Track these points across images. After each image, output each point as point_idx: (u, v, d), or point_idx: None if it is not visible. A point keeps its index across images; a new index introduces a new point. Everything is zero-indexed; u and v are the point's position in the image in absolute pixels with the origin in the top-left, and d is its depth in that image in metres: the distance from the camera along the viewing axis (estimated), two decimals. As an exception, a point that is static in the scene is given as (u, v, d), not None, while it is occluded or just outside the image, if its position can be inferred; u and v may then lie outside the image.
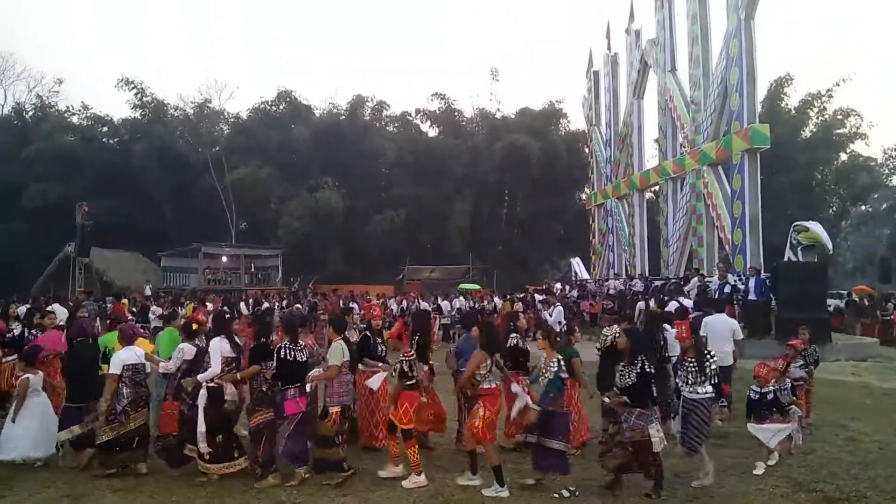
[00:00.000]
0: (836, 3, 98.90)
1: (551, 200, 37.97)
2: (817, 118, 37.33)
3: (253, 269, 34.69)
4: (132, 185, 37.32)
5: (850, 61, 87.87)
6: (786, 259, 16.02)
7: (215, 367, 6.42)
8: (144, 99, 39.52)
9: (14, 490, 6.20)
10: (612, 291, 20.65)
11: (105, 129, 41.71)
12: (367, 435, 7.58)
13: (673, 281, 18.13)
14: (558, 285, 25.64)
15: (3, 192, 35.32)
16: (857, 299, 24.28)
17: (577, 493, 5.94)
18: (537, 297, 19.46)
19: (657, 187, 26.20)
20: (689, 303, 12.51)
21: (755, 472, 6.56)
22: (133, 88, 38.86)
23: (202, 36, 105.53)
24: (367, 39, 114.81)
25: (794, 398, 7.33)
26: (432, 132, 42.69)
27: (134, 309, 16.30)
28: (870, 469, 6.69)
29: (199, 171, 38.20)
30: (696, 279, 17.07)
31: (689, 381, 6.40)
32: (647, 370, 5.97)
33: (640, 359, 6.01)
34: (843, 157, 38.19)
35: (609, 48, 30.07)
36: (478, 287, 24.30)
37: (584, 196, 37.80)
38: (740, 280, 16.22)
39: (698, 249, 21.43)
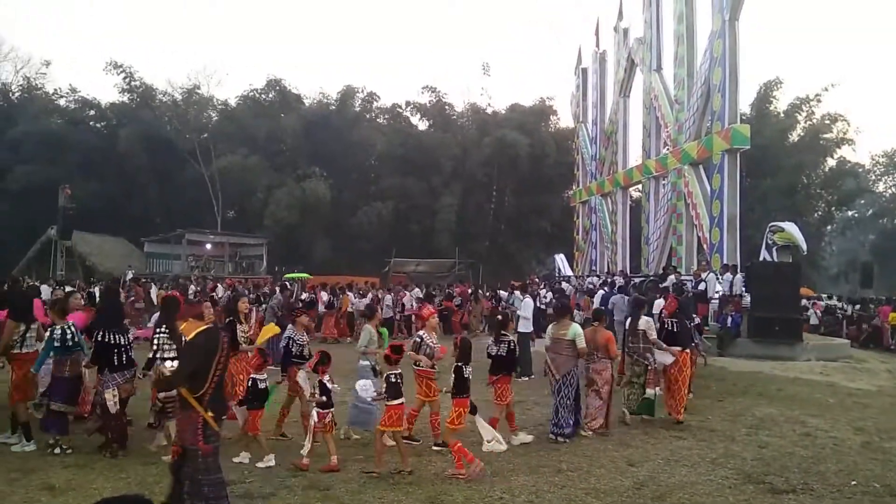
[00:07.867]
0: (826, 10, 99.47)
1: (539, 197, 38.09)
2: (805, 122, 37.53)
3: (238, 258, 34.59)
4: (118, 169, 37.19)
5: (839, 66, 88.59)
6: (761, 259, 16.13)
7: None
8: (133, 83, 39.27)
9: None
10: (589, 287, 20.77)
11: (92, 112, 41.38)
12: None
13: (651, 278, 18.25)
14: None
15: (-13, 173, 35.02)
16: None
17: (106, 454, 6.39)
18: (501, 292, 19.98)
19: (640, 185, 26.32)
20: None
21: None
22: (121, 72, 38.65)
23: (193, 21, 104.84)
24: (359, 30, 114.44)
25: None
26: (422, 125, 42.68)
27: None
28: (821, 464, 6.73)
29: (185, 157, 38.05)
30: (672, 276, 17.19)
31: None
32: (106, 340, 6.40)
33: (100, 328, 6.50)
34: (831, 161, 38.44)
35: (598, 46, 30.12)
36: (307, 275, 24.26)
37: (570, 193, 37.98)
38: (718, 278, 16.34)
39: (677, 248, 21.58)
